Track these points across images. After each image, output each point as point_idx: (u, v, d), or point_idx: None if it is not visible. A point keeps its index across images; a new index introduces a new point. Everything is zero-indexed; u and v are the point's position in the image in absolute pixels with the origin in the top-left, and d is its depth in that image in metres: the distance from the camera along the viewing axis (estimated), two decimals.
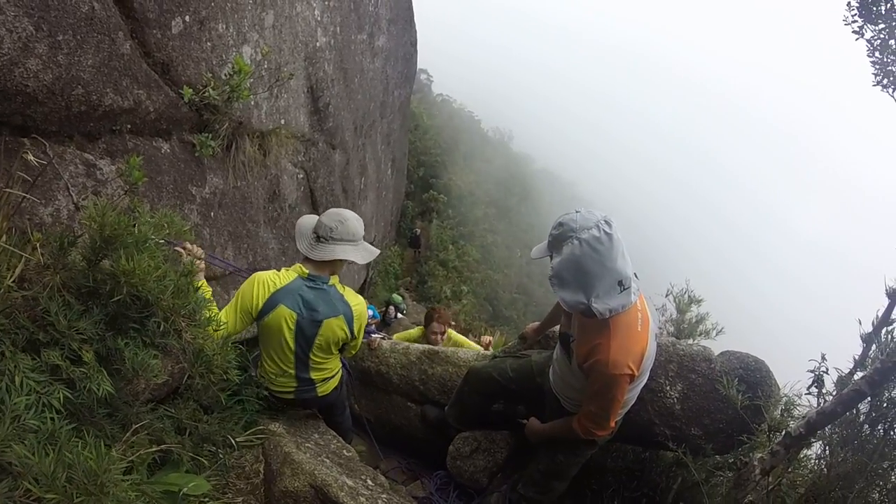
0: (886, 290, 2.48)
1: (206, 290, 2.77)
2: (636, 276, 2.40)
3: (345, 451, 3.27)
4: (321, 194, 6.54)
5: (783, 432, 1.93)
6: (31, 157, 1.67)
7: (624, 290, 2.23)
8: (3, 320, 1.47)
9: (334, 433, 3.44)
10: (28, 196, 1.73)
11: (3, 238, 1.44)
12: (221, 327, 2.63)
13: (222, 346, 2.03)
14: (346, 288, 2.91)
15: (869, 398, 1.94)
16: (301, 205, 5.80)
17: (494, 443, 3.76)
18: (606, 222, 2.21)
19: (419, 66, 16.96)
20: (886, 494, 2.02)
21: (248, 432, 2.82)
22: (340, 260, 2.78)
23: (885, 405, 1.94)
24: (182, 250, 2.64)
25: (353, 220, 2.77)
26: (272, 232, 4.79)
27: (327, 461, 2.95)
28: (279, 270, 2.79)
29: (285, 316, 2.72)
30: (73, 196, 2.05)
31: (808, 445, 2.27)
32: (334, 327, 2.81)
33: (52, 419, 1.47)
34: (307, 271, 2.74)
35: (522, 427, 3.29)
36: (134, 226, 1.79)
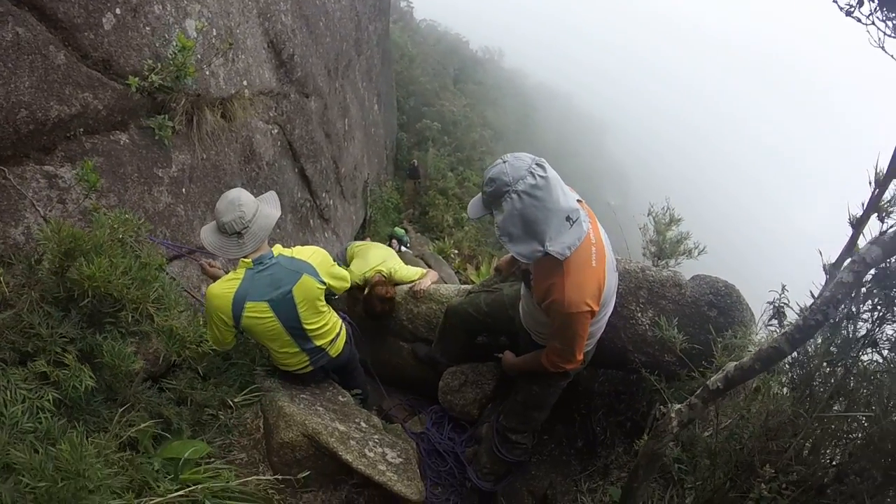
0: (850, 220, 2.44)
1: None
2: (580, 201, 2.41)
3: (339, 397, 3.50)
4: (300, 144, 6.56)
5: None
6: None
7: (574, 222, 2.24)
8: None
9: (331, 381, 3.66)
10: None
11: None
12: (219, 346, 2.83)
13: (191, 321, 2.20)
14: (293, 248, 2.93)
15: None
16: (280, 159, 5.84)
17: (481, 375, 3.95)
18: (538, 165, 2.19)
19: None
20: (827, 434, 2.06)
21: (244, 392, 3.01)
22: None
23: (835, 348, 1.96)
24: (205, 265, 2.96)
25: (243, 194, 2.67)
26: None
27: (321, 409, 3.19)
28: (227, 274, 2.82)
29: (257, 309, 2.74)
30: (41, 210, 2.17)
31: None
32: (306, 287, 2.84)
33: (46, 419, 1.68)
34: (250, 260, 2.71)
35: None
36: (92, 232, 1.93)
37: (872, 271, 1.75)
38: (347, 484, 3.05)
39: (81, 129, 2.50)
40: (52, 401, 1.70)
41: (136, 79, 2.74)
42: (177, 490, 1.91)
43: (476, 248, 17.92)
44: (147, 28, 2.89)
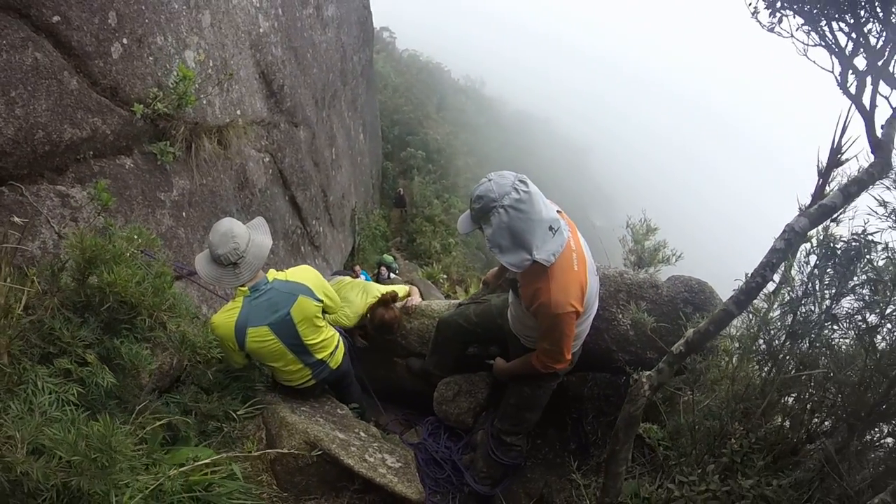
0: (800, 208, 2.66)
1: None
2: (559, 211, 2.61)
3: (338, 410, 3.60)
4: (290, 172, 6.74)
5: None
6: (16, 219, 1.95)
7: (555, 231, 2.44)
8: (20, 342, 1.79)
9: (329, 396, 3.76)
10: (21, 247, 2.00)
11: (8, 280, 1.74)
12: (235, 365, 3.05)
13: (203, 329, 2.34)
14: (286, 271, 3.04)
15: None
16: (272, 187, 6.01)
17: (474, 384, 4.05)
18: (521, 181, 2.39)
19: (379, 24, 16.71)
20: (804, 403, 2.17)
21: (247, 405, 3.11)
22: None
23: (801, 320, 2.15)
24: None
25: (236, 226, 2.74)
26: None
27: (321, 420, 3.29)
28: (226, 305, 2.91)
29: (259, 334, 2.86)
30: (55, 227, 2.31)
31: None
32: (303, 307, 2.96)
33: (71, 411, 1.80)
34: (246, 288, 2.80)
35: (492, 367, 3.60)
36: (110, 243, 2.08)
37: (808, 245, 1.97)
38: (349, 490, 3.12)
39: (91, 153, 2.65)
40: (76, 395, 1.82)
41: (141, 106, 2.91)
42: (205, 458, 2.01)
43: (464, 273, 18.11)
44: (150, 58, 3.07)
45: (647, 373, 1.95)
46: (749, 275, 1.83)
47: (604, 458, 3.44)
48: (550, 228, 2.43)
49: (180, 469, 1.92)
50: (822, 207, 1.76)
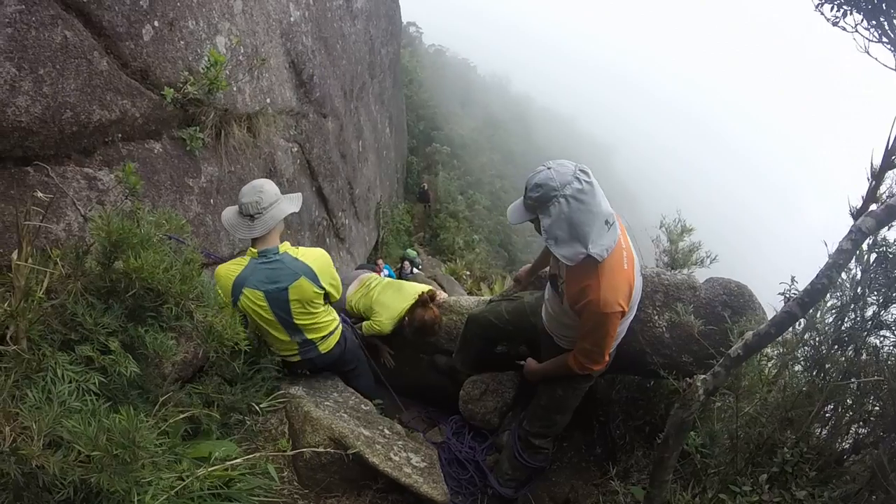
0: (850, 211, 2.52)
1: None
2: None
3: (363, 406, 3.54)
4: (318, 163, 6.69)
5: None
6: (39, 194, 1.89)
7: (610, 226, 2.33)
8: (40, 327, 1.73)
9: (353, 391, 3.70)
10: (45, 224, 1.95)
11: (29, 261, 1.68)
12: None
13: (230, 320, 2.27)
14: (300, 248, 3.04)
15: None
16: (299, 177, 5.97)
17: (502, 384, 3.97)
18: (582, 171, 2.27)
19: (406, 19, 16.67)
20: (845, 410, 2.08)
21: (270, 398, 3.07)
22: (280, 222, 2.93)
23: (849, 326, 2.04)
24: None
25: (267, 184, 2.85)
26: None
27: (345, 416, 3.23)
28: (235, 258, 2.96)
29: (253, 296, 2.91)
30: (81, 209, 2.27)
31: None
32: (302, 288, 2.97)
33: (91, 401, 1.73)
34: (256, 250, 2.86)
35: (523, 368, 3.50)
36: (138, 227, 2.02)
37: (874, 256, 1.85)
38: (371, 489, 3.05)
39: (119, 135, 2.61)
40: (97, 384, 1.76)
41: (171, 90, 2.87)
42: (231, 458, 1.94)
43: (487, 270, 18.01)
44: (182, 42, 3.02)
45: (703, 376, 1.85)
46: (815, 276, 1.71)
47: (632, 462, 3.36)
48: (606, 223, 2.32)
49: (209, 470, 1.84)
50: (890, 208, 1.64)
